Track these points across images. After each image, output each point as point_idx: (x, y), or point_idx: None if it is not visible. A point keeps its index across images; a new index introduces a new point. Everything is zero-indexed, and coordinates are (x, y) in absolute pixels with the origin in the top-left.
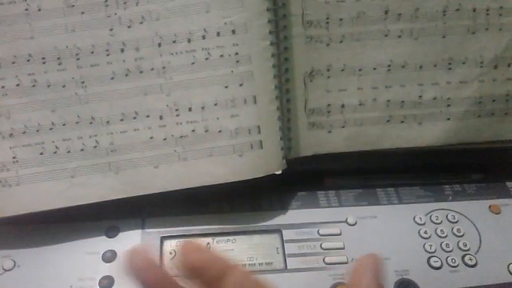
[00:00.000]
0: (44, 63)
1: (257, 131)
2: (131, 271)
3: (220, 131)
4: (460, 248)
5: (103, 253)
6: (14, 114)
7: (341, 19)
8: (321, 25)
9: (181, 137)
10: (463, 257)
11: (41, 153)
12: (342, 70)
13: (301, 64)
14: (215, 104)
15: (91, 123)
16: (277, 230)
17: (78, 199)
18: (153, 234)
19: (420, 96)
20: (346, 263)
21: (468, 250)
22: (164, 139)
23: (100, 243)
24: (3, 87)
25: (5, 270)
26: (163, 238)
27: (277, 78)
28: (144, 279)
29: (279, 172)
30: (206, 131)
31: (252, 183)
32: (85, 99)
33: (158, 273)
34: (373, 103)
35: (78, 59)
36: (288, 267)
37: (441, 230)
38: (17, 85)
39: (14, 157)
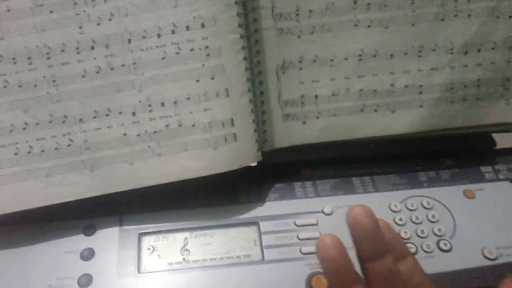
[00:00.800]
0: (15, 63)
1: (230, 124)
2: (324, 258)
3: (193, 125)
4: (435, 234)
5: (81, 252)
6: None
7: (310, 11)
8: (291, 17)
9: (155, 132)
10: (437, 242)
11: (16, 153)
12: (314, 61)
13: (272, 57)
14: (188, 99)
15: (64, 121)
16: (255, 223)
17: (54, 198)
18: (130, 231)
19: (392, 85)
20: None
21: (443, 235)
22: (138, 135)
23: (78, 242)
24: None
25: None
26: (141, 235)
27: (248, 70)
28: (336, 267)
29: (254, 164)
30: (180, 125)
31: (229, 177)
32: (57, 97)
33: (348, 261)
34: (346, 93)
35: (48, 58)
36: (265, 259)
37: (416, 217)
38: None
39: None
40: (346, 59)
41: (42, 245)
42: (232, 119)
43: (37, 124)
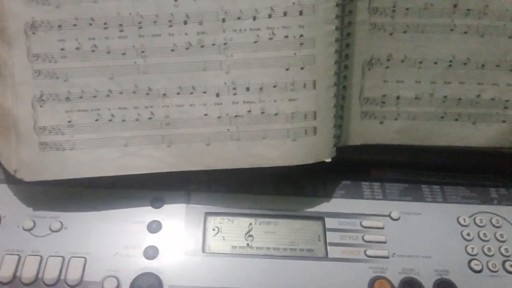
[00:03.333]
0: (105, 28)
1: (313, 117)
2: None
3: (276, 114)
4: (501, 254)
5: (149, 223)
6: (72, 78)
7: (407, 9)
8: (386, 13)
9: (236, 116)
10: (503, 262)
11: (96, 120)
12: (402, 61)
13: (361, 52)
14: (274, 86)
15: (147, 94)
16: (320, 218)
17: (129, 168)
18: (197, 209)
19: (478, 95)
20: (387, 257)
21: (509, 256)
22: (219, 117)
23: (146, 213)
24: (62, 49)
25: (52, 231)
26: (207, 214)
27: (337, 64)
28: None
29: (329, 160)
30: (262, 112)
31: (297, 168)
32: (144, 69)
33: None
34: (430, 98)
35: (140, 27)
36: (329, 256)
37: (484, 234)
38: (77, 48)
39: (69, 121)
40: (435, 63)
41: (111, 212)
42: (315, 112)
43: (121, 93)
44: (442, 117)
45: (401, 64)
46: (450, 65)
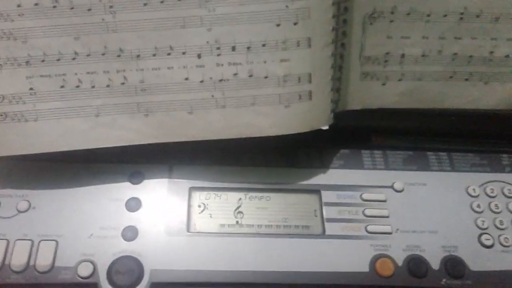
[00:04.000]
0: None
1: (307, 80)
2: None
3: (266, 77)
4: None
5: (127, 201)
6: (32, 39)
7: None
8: None
9: (220, 80)
10: None
11: (62, 86)
12: (408, 14)
13: (362, 4)
14: (264, 45)
15: (119, 55)
16: (316, 191)
17: (102, 141)
18: (180, 183)
19: (492, 52)
20: (390, 233)
21: None
22: (201, 81)
23: (124, 189)
24: (19, 5)
25: (19, 212)
26: (191, 189)
27: (335, 18)
28: None
29: (326, 127)
30: (250, 76)
31: (290, 137)
32: (113, 27)
33: None
34: (438, 56)
35: None
36: (326, 233)
37: (495, 205)
38: (36, 4)
39: (31, 88)
40: (445, 16)
41: (85, 189)
42: (310, 74)
43: (88, 55)
44: (451, 77)
45: (406, 17)
46: (461, 18)
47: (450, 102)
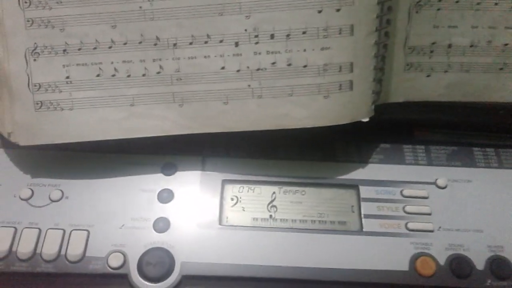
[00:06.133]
0: None
1: (349, 69)
2: None
3: (305, 66)
4: None
5: (159, 192)
6: (69, 27)
7: None
8: None
9: (258, 70)
10: None
11: (98, 75)
12: (457, 2)
13: None
14: (304, 33)
15: (155, 44)
16: (354, 186)
17: (136, 131)
18: (213, 176)
19: None
20: (432, 231)
21: None
22: (238, 70)
23: (156, 181)
24: None
25: (52, 201)
26: (224, 182)
27: (380, 4)
28: None
29: (367, 119)
30: (289, 65)
31: (328, 129)
32: (151, 14)
33: None
34: (487, 46)
35: None
36: (364, 229)
37: None
38: None
39: (67, 77)
40: (496, 4)
41: (117, 180)
42: (351, 64)
43: (125, 43)
44: (501, 69)
45: (455, 5)
46: None
47: (499, 96)
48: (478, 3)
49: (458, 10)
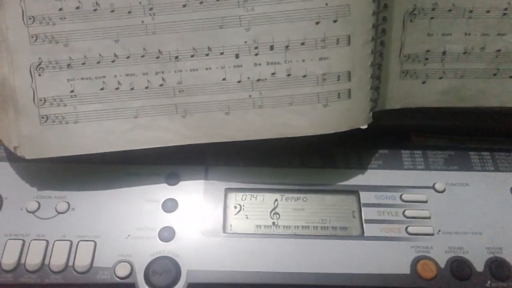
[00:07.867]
0: None
1: (347, 78)
2: None
3: (304, 76)
4: None
5: (163, 202)
6: (73, 42)
7: None
8: None
9: (258, 80)
10: None
11: (102, 88)
12: (450, 11)
13: (403, 0)
14: (302, 43)
15: (158, 57)
16: (354, 192)
17: (141, 142)
18: (216, 184)
19: None
20: (432, 234)
21: None
22: (239, 81)
23: (160, 191)
24: (61, 9)
25: (59, 213)
26: (227, 190)
27: (375, 15)
28: None
29: (365, 126)
30: (289, 75)
31: (328, 137)
32: (153, 29)
33: None
34: (480, 53)
35: None
36: (365, 234)
37: None
38: (77, 8)
39: (72, 91)
40: (488, 11)
41: (122, 191)
42: (349, 73)
43: (128, 57)
44: (494, 74)
45: (448, 14)
46: (504, 14)
47: (493, 100)
48: (471, 11)
49: (451, 18)
